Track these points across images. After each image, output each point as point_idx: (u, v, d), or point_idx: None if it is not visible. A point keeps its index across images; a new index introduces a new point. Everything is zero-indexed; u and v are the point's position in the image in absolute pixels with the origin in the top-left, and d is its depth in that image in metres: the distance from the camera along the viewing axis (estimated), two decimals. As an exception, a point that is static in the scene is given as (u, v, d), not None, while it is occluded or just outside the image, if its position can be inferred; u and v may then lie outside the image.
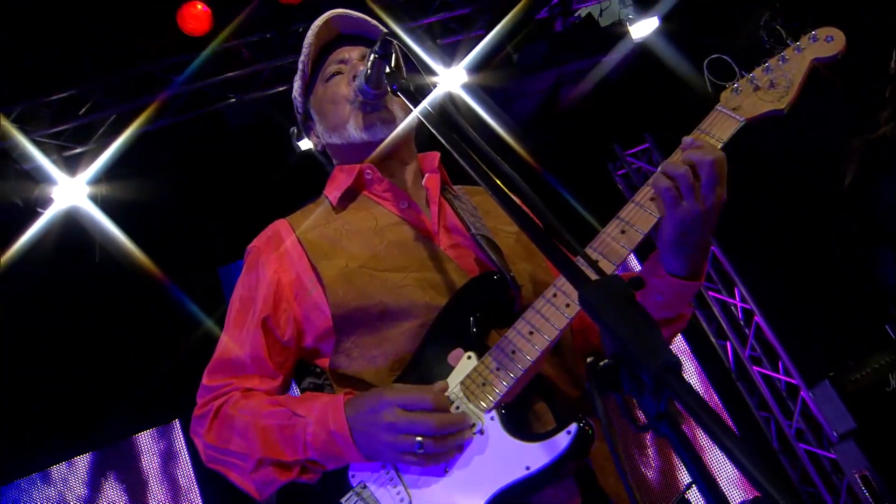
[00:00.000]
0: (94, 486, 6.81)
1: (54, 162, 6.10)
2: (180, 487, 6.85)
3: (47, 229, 6.06)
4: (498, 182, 1.59)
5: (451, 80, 6.86)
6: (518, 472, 1.61)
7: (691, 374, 7.79)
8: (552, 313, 1.70)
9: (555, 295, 1.72)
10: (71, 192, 6.13)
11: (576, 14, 7.59)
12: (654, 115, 8.20)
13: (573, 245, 1.49)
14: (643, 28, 7.30)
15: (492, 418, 1.68)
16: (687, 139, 1.77)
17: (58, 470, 6.84)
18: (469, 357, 1.76)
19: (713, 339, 8.11)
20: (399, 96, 1.87)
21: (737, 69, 1.84)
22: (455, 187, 2.25)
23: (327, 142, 2.24)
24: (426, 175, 2.19)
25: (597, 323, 1.21)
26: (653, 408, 1.10)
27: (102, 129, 6.29)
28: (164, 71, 6.32)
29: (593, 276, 1.32)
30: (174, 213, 6.96)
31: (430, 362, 1.81)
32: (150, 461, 6.95)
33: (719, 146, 1.75)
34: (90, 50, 6.16)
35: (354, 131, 2.11)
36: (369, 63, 1.93)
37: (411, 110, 1.83)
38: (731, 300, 8.12)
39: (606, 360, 1.19)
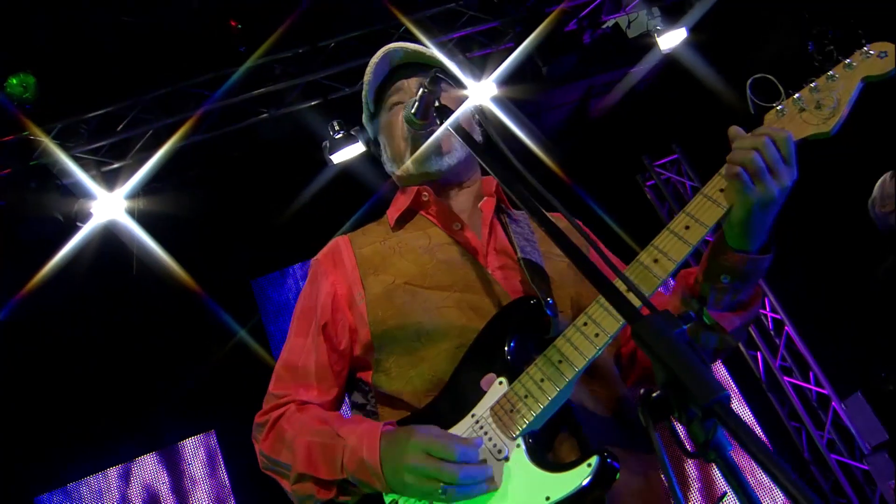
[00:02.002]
0: (130, 494, 6.94)
1: (93, 177, 6.24)
2: (216, 496, 6.95)
3: (86, 243, 6.19)
4: (542, 210, 1.63)
5: (481, 93, 6.91)
6: (538, 502, 1.63)
7: (723, 384, 7.77)
8: (581, 342, 1.71)
9: (585, 324, 1.73)
10: (109, 206, 6.25)
11: (604, 26, 7.61)
12: (683, 126, 8.21)
13: (618, 273, 1.52)
14: (671, 39, 7.27)
15: (517, 446, 1.70)
16: (739, 132, 1.74)
17: (92, 480, 6.99)
18: (500, 382, 1.78)
19: (744, 350, 8.08)
20: (449, 130, 1.95)
21: (782, 89, 1.75)
22: (517, 211, 2.30)
23: (389, 169, 2.36)
24: (484, 198, 2.25)
25: (648, 355, 1.26)
26: (701, 437, 1.15)
27: (139, 145, 6.41)
28: (198, 87, 6.44)
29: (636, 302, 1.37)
30: (208, 227, 7.08)
31: (464, 387, 1.83)
32: (187, 470, 7.06)
33: None
34: (128, 68, 6.28)
35: (409, 163, 2.21)
36: (417, 97, 1.99)
37: (464, 141, 1.89)
38: (761, 310, 8.09)
39: (658, 392, 1.24)
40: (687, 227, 1.72)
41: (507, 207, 2.29)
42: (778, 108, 1.76)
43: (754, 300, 1.88)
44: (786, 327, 7.90)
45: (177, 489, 6.98)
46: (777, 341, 7.99)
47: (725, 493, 6.98)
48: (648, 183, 8.69)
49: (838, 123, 1.68)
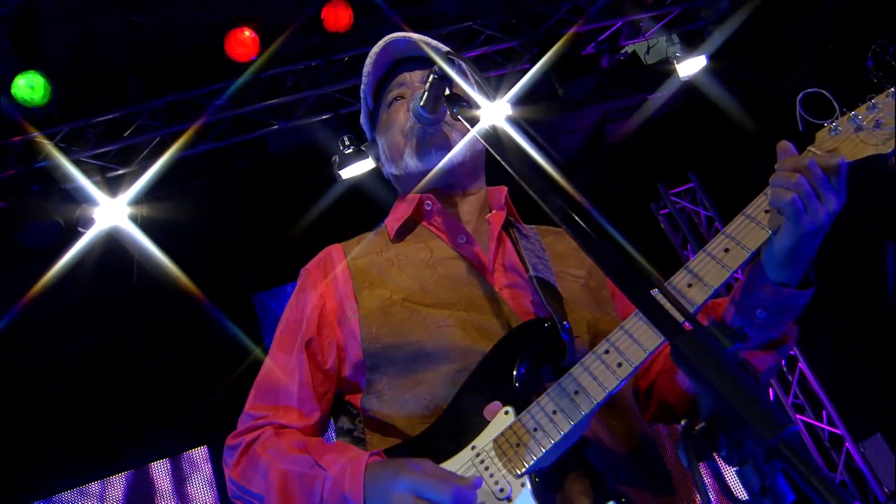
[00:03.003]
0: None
1: (97, 183, 6.15)
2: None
3: (88, 249, 6.08)
4: (575, 217, 1.44)
5: (495, 113, 6.80)
6: None
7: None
8: (602, 372, 1.54)
9: (607, 351, 1.56)
10: (112, 212, 6.15)
11: (623, 51, 7.55)
12: (700, 155, 8.11)
13: (660, 284, 1.35)
14: (690, 67, 7.21)
15: (523, 485, 1.52)
16: (788, 148, 1.61)
17: (92, 488, 6.85)
18: (507, 412, 1.61)
19: (755, 386, 7.93)
20: (459, 120, 1.78)
21: (837, 106, 1.62)
22: (527, 226, 2.14)
23: (388, 171, 2.18)
24: (493, 210, 2.08)
25: (692, 379, 1.07)
26: (757, 482, 0.96)
27: (146, 152, 6.32)
28: (208, 96, 6.35)
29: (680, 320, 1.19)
30: (212, 238, 6.99)
31: (465, 415, 1.66)
32: (183, 482, 6.95)
33: None
34: (137, 74, 6.22)
35: (409, 159, 2.04)
36: (427, 84, 1.84)
37: (471, 137, 1.73)
38: (774, 346, 7.94)
39: (703, 424, 1.05)
40: (727, 250, 1.57)
41: (517, 221, 2.11)
42: (831, 125, 1.61)
43: (788, 338, 1.72)
44: (799, 363, 7.72)
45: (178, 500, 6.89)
46: (790, 378, 7.82)
47: None
48: (663, 211, 8.57)
49: None
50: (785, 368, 7.85)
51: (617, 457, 1.65)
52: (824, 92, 1.57)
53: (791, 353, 7.76)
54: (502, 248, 1.99)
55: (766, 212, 1.58)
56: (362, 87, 2.17)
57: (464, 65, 1.90)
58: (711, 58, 7.23)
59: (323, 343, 1.90)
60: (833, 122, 1.61)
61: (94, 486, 6.86)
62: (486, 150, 1.73)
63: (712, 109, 7.34)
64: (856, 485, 7.22)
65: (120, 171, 6.32)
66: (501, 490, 1.52)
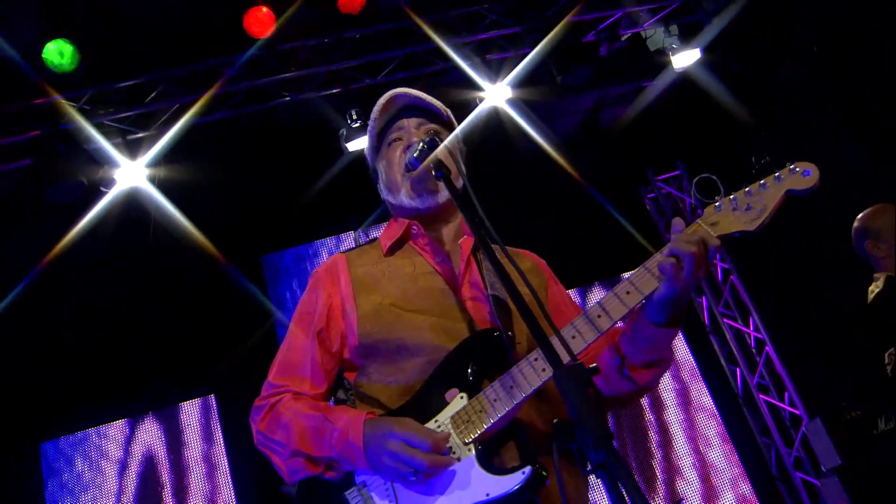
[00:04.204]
0: (132, 448, 7.35)
1: (116, 145, 6.52)
2: (212, 455, 7.40)
3: (109, 208, 6.53)
4: (502, 260, 2.06)
5: (496, 95, 7.16)
6: (480, 497, 2.00)
7: (701, 395, 8.10)
8: (530, 374, 2.06)
9: (535, 359, 2.07)
10: (132, 173, 6.58)
11: (621, 39, 7.81)
12: (688, 144, 8.47)
13: (553, 327, 1.90)
14: (685, 58, 7.47)
15: (469, 450, 2.05)
16: (682, 224, 2.10)
17: (99, 432, 7.40)
18: (462, 397, 2.13)
19: (724, 364, 8.41)
20: (440, 181, 2.34)
21: (722, 189, 2.12)
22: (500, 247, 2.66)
23: (385, 197, 2.71)
24: (464, 236, 2.59)
25: (563, 397, 1.65)
26: (595, 459, 1.54)
27: (165, 117, 6.68)
28: (226, 67, 6.68)
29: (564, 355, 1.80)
30: (225, 200, 7.38)
31: (431, 396, 2.18)
32: (184, 431, 7.48)
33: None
34: (160, 42, 6.53)
35: (405, 197, 2.55)
36: (418, 148, 2.38)
37: (449, 188, 2.27)
38: (745, 329, 8.41)
39: (568, 423, 1.65)
40: (628, 293, 2.08)
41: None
42: (716, 204, 2.10)
43: (663, 361, 2.24)
44: (766, 347, 8.21)
45: (173, 448, 7.38)
46: (757, 359, 8.33)
47: (682, 500, 7.37)
48: (649, 195, 8.97)
49: (761, 224, 2.04)
50: (754, 350, 8.34)
51: (541, 434, 2.17)
52: (713, 177, 2.05)
53: (760, 336, 8.25)
54: (469, 269, 2.49)
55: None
56: (369, 127, 2.70)
57: (451, 117, 2.54)
58: (705, 50, 7.50)
59: (330, 332, 2.44)
60: (718, 201, 2.10)
61: (103, 430, 7.40)
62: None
63: (703, 101, 7.67)
64: (811, 461, 7.78)
65: (139, 135, 6.68)
66: (453, 452, 2.07)
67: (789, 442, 8.04)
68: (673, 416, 8.00)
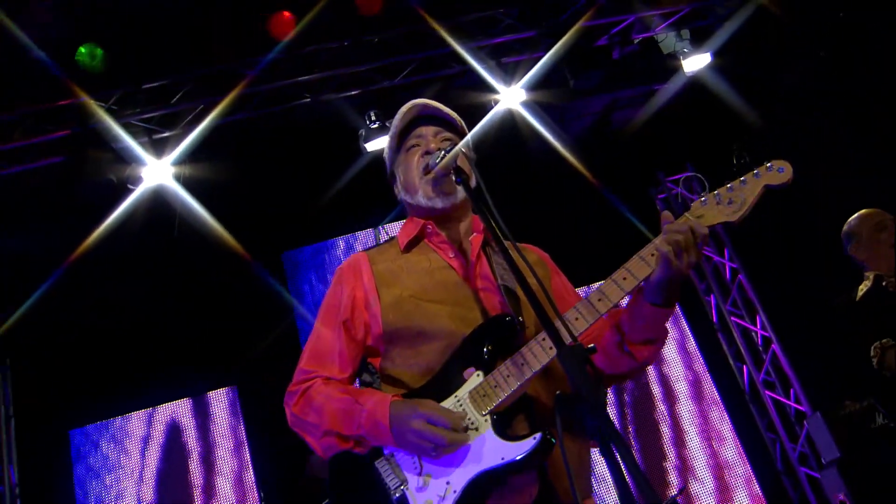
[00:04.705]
0: (153, 433, 7.66)
1: (143, 144, 6.75)
2: (236, 442, 7.65)
3: (136, 205, 6.78)
4: (512, 254, 2.29)
5: (510, 97, 7.34)
6: (495, 461, 2.25)
7: (708, 390, 8.28)
8: (539, 352, 2.31)
9: (543, 339, 2.32)
10: (158, 172, 6.81)
11: (634, 43, 7.96)
12: (698, 146, 8.61)
13: (557, 312, 2.14)
14: (696, 62, 7.64)
15: (486, 420, 2.31)
16: (670, 217, 2.36)
17: (123, 420, 7.72)
18: (478, 375, 2.37)
19: (731, 361, 8.59)
20: (459, 185, 2.59)
21: (707, 187, 2.39)
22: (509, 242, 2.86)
23: (402, 198, 2.94)
24: (474, 233, 2.82)
25: (566, 373, 1.91)
26: (591, 424, 1.77)
27: (190, 117, 6.90)
28: (248, 68, 6.88)
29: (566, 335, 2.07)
30: (248, 198, 7.62)
31: (450, 375, 2.42)
32: (209, 419, 7.76)
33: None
34: (185, 45, 6.74)
35: (423, 198, 2.78)
36: (440, 156, 2.63)
37: (466, 190, 2.54)
38: (752, 327, 8.59)
39: (569, 395, 1.96)
40: (624, 278, 2.34)
41: (491, 242, 2.82)
42: (702, 199, 2.38)
43: (659, 339, 2.49)
44: (773, 345, 8.38)
45: (199, 435, 7.68)
46: (763, 356, 8.51)
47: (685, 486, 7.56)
48: (660, 196, 9.14)
49: (742, 216, 2.34)
50: (760, 348, 8.52)
51: (547, 406, 2.43)
52: (700, 176, 2.29)
53: (766, 334, 8.42)
54: (480, 262, 2.73)
55: (653, 255, 2.32)
56: (391, 130, 2.93)
57: (464, 126, 2.84)
58: (715, 55, 7.66)
59: (355, 322, 2.67)
60: (704, 196, 2.38)
61: (128, 419, 7.71)
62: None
63: (713, 104, 7.84)
64: (815, 456, 7.95)
65: (165, 134, 6.91)
66: (472, 422, 2.33)
67: (794, 437, 8.21)
68: (685, 409, 8.23)
